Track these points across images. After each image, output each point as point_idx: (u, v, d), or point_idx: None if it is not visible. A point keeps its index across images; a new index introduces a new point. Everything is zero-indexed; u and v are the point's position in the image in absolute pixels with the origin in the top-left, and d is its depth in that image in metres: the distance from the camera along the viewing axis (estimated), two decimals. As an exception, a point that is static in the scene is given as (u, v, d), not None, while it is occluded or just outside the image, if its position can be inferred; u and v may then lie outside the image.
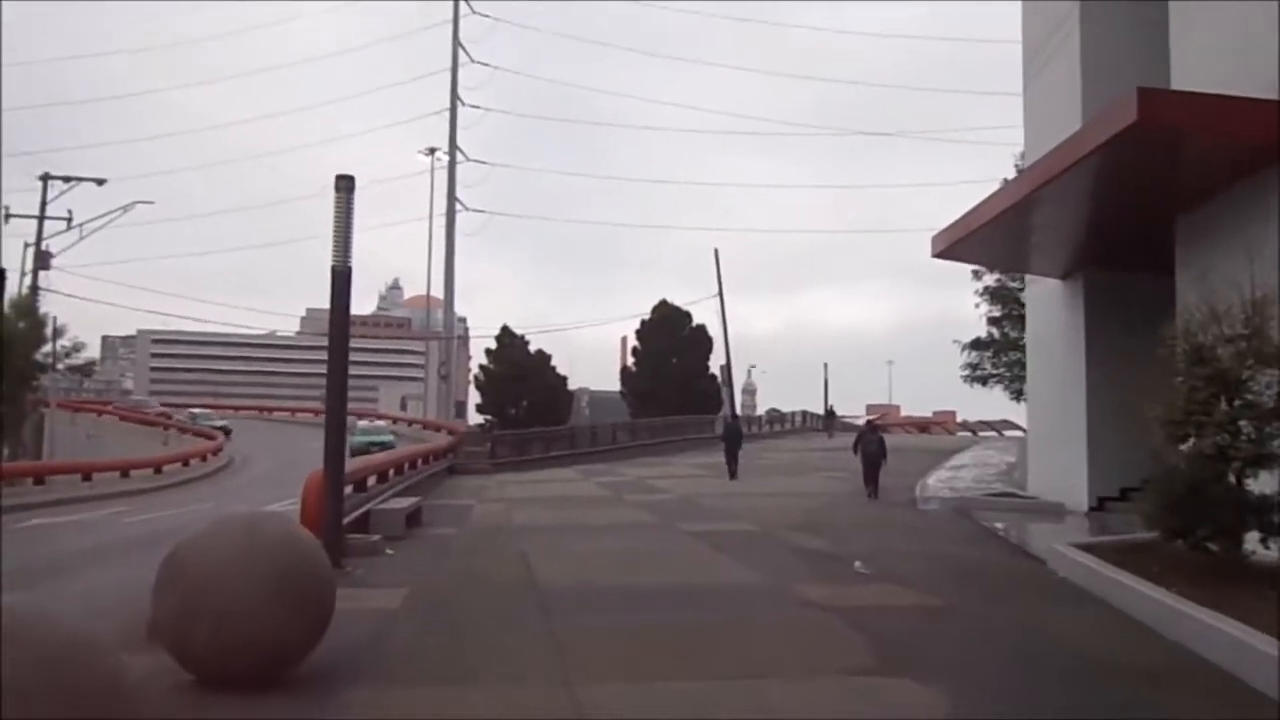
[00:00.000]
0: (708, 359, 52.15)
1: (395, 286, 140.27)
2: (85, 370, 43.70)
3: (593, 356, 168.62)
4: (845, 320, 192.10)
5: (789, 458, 28.93)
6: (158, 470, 31.98)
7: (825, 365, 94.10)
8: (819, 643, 6.16)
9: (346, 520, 9.97)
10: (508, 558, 10.13)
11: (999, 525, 12.20)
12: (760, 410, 70.41)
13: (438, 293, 48.70)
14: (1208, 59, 9.65)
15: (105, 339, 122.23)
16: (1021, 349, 26.45)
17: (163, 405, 58.76)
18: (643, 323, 53.99)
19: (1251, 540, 6.82)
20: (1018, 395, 30.88)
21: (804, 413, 52.12)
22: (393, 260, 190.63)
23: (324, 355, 9.52)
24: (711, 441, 33.79)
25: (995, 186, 22.48)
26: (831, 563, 9.41)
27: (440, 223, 46.79)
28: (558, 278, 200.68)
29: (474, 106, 48.38)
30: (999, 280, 29.79)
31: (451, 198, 46.28)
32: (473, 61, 48.10)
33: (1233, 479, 6.81)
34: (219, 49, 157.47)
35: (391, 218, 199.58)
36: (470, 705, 4.88)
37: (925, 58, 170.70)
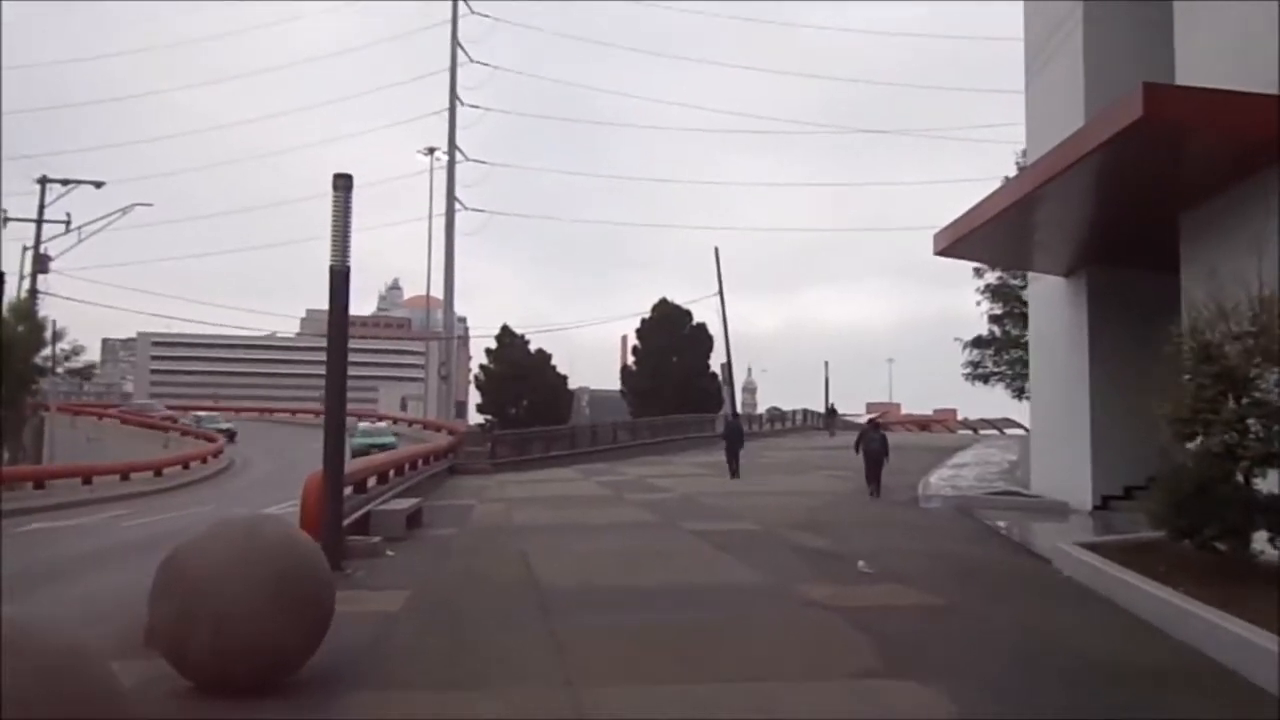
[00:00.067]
0: (708, 357, 52.13)
1: (395, 287, 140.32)
2: (85, 373, 43.57)
3: (593, 356, 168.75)
4: (846, 318, 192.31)
5: (790, 456, 28.88)
6: (158, 473, 31.93)
7: (826, 364, 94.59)
8: (822, 643, 6.11)
9: (346, 522, 9.92)
10: (508, 558, 10.08)
11: (1002, 524, 12.14)
12: (761, 409, 70.45)
13: (437, 293, 48.68)
14: (1210, 58, 9.61)
15: (105, 342, 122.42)
16: (1023, 347, 26.41)
17: (168, 408, 58.62)
18: (643, 321, 53.96)
19: (1260, 540, 6.76)
20: (1019, 393, 30.83)
21: (805, 411, 52.07)
22: (393, 260, 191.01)
23: (324, 356, 9.47)
24: (712, 440, 33.76)
25: (997, 184, 22.43)
26: (834, 562, 9.36)
27: (440, 223, 46.79)
28: (558, 277, 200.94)
29: (473, 106, 48.37)
30: (1000, 278, 29.74)
31: (451, 197, 46.25)
32: (472, 61, 48.09)
33: (1241, 478, 6.75)
34: (218, 49, 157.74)
35: (391, 218, 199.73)
36: (472, 708, 4.83)
37: (927, 56, 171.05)
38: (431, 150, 48.27)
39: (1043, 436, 15.76)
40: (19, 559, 11.77)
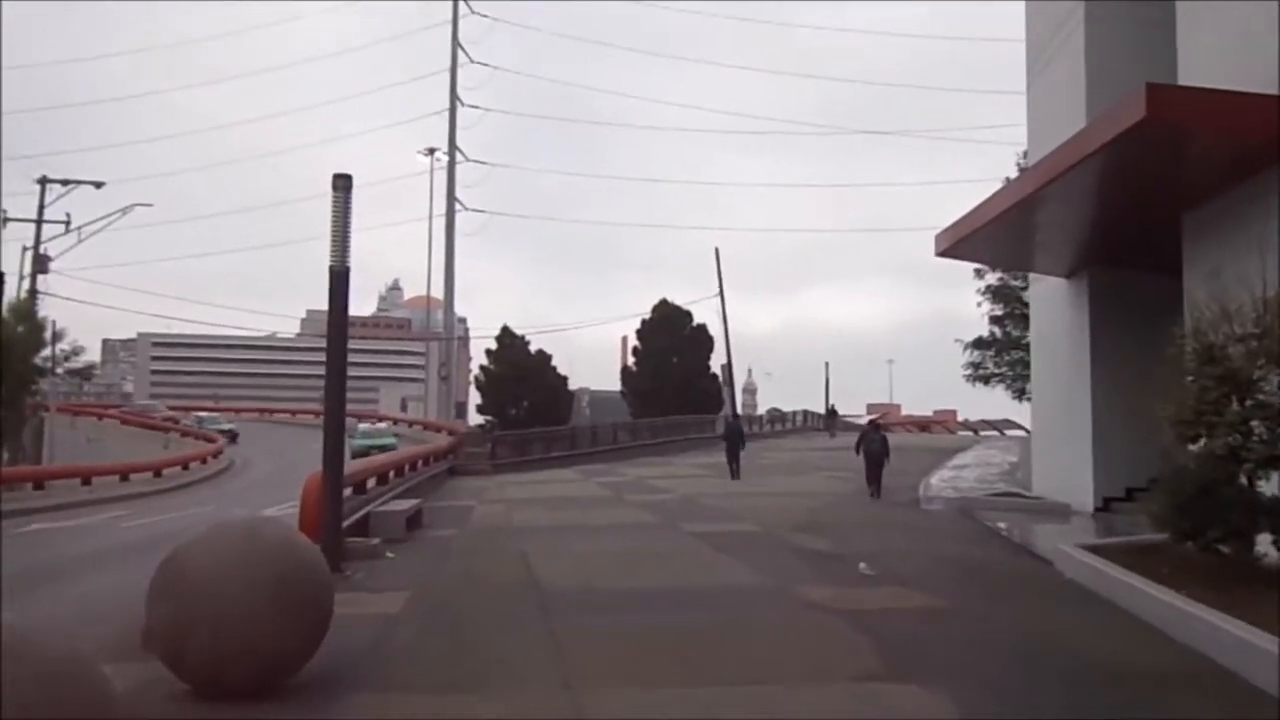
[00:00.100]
0: (708, 358, 52.11)
1: (395, 287, 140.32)
2: (85, 374, 43.54)
3: (593, 356, 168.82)
4: (846, 319, 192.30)
5: (790, 457, 28.85)
6: (157, 474, 31.91)
7: (826, 364, 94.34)
8: (823, 646, 6.08)
9: (346, 524, 9.89)
10: (508, 559, 10.06)
11: (1003, 525, 12.11)
12: (761, 410, 70.40)
13: (438, 293, 48.63)
14: (1212, 58, 9.58)
15: (105, 342, 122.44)
16: (1024, 348, 26.39)
17: (170, 409, 58.54)
18: (643, 322, 53.94)
19: (1263, 543, 6.73)
20: (1020, 394, 30.81)
21: (805, 412, 52.05)
22: (393, 261, 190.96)
23: (324, 357, 9.44)
24: (713, 441, 33.74)
25: (997, 185, 22.39)
26: (835, 563, 9.33)
27: (440, 223, 46.74)
28: (558, 278, 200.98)
29: (473, 107, 48.34)
30: (1001, 279, 29.72)
31: (451, 198, 46.22)
32: (472, 62, 48.06)
33: (1244, 480, 6.72)
34: (218, 49, 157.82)
35: (392, 218, 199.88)
36: (472, 711, 4.80)
37: (927, 56, 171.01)
38: (432, 151, 48.30)
39: (1044, 438, 15.73)
40: (19, 560, 11.76)
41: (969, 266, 29.22)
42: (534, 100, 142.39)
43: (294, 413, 64.40)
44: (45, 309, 31.65)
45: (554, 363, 55.51)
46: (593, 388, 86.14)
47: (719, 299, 45.60)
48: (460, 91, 47.35)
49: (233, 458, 39.42)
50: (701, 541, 11.05)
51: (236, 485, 30.67)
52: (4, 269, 26.22)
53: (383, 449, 25.19)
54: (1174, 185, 10.38)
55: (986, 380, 32.52)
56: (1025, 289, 22.82)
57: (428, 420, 49.40)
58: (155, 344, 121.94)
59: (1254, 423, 6.65)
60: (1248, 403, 6.70)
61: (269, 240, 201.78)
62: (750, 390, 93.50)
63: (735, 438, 22.28)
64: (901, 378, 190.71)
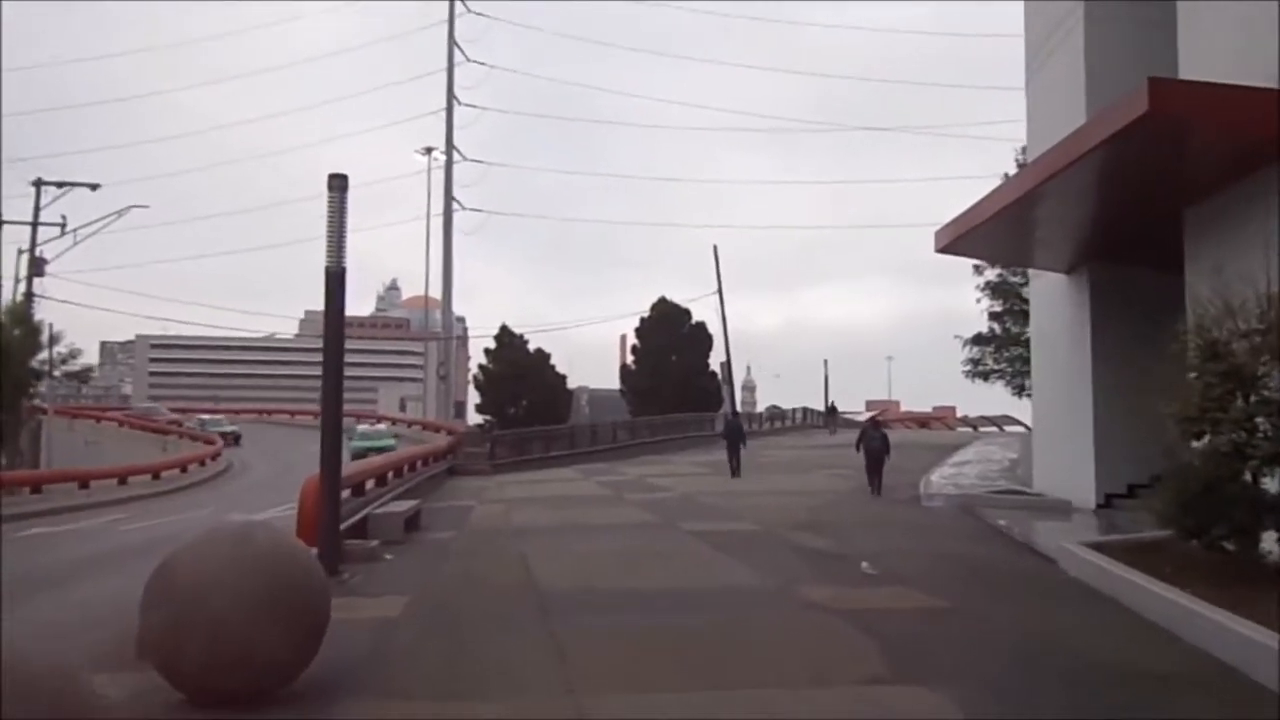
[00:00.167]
0: (708, 356, 52.03)
1: (393, 287, 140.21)
2: (82, 376, 43.51)
3: (592, 355, 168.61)
4: (845, 316, 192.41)
5: (790, 455, 28.80)
6: (156, 476, 31.82)
7: (825, 362, 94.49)
8: (825, 648, 6.03)
9: (344, 526, 9.82)
10: (508, 561, 10.00)
11: (1005, 523, 12.06)
12: (760, 407, 70.35)
13: (436, 293, 48.49)
14: (1213, 57, 9.52)
15: (103, 345, 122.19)
16: (1023, 344, 26.35)
17: (172, 412, 58.31)
18: (642, 320, 53.84)
19: (1268, 540, 6.69)
20: (1019, 391, 30.80)
21: (804, 409, 52.00)
22: (391, 261, 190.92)
23: (322, 357, 9.37)
24: (712, 439, 33.68)
25: (997, 182, 22.35)
26: (836, 563, 9.28)
27: (438, 223, 46.62)
28: (557, 276, 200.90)
29: (470, 106, 48.18)
30: (1000, 275, 29.69)
31: (449, 197, 46.10)
32: (469, 60, 47.91)
33: (1249, 477, 6.68)
34: (215, 50, 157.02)
35: (390, 218, 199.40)
36: (473, 717, 4.74)
37: (928, 53, 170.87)
38: (429, 150, 48.13)
39: (1045, 434, 15.68)
40: (17, 565, 11.68)
41: (968, 263, 29.20)
42: (535, 100, 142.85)
43: (293, 414, 64.32)
44: (42, 312, 31.61)
45: (553, 361, 55.45)
46: (592, 386, 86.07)
47: (718, 297, 45.58)
48: (458, 91, 47.23)
49: (231, 459, 39.34)
50: (702, 541, 11.00)
51: (235, 487, 30.60)
52: (1, 272, 26.14)
53: (381, 451, 24.99)
54: (1176, 180, 10.32)
55: (986, 376, 32.51)
56: (1025, 285, 22.78)
57: (427, 420, 49.33)
58: (154, 346, 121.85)
59: (1258, 419, 6.61)
60: (1252, 399, 6.65)
61: (267, 241, 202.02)
62: (749, 388, 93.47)
63: (735, 436, 22.24)
64: (900, 374, 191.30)
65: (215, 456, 38.65)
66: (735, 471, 21.16)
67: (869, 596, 7.62)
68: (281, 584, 4.74)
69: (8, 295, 29.51)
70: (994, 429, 42.14)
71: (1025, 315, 23.50)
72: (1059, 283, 14.61)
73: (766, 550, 10.17)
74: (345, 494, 10.53)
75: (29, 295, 31.30)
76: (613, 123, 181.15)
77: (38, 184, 32.69)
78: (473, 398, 55.96)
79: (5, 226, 32.30)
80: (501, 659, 5.86)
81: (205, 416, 54.58)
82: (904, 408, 79.46)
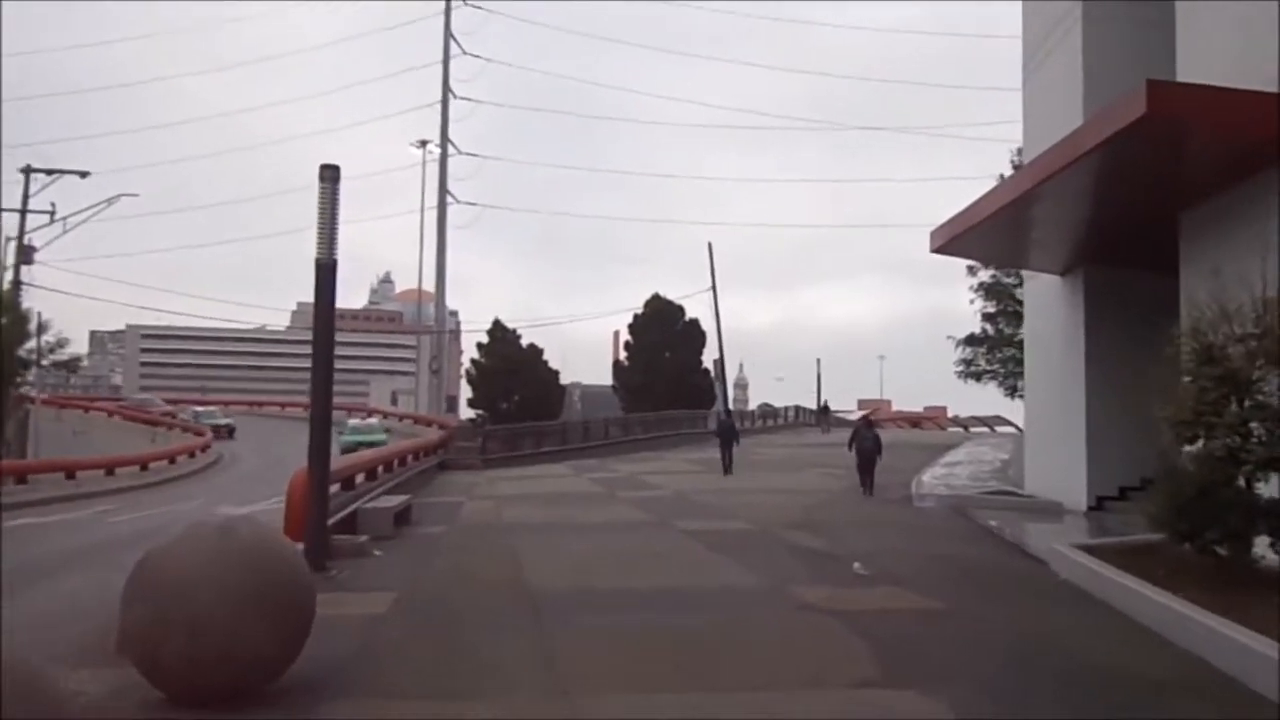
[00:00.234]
0: (701, 353, 52.03)
1: (387, 280, 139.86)
2: (71, 366, 43.20)
3: (585, 351, 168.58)
4: (838, 315, 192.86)
5: (783, 453, 28.80)
6: (144, 468, 31.60)
7: (818, 360, 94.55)
8: (819, 650, 5.99)
9: (332, 520, 9.74)
10: (499, 558, 9.93)
11: (996, 524, 12.05)
12: (752, 405, 70.39)
13: (429, 286, 48.27)
14: (1211, 58, 9.50)
15: (93, 334, 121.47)
16: (1016, 345, 26.40)
17: (166, 403, 57.79)
18: (635, 317, 53.78)
19: (1261, 545, 6.67)
20: (1011, 391, 30.91)
21: (797, 408, 52.04)
22: (386, 254, 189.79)
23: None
24: (705, 436, 33.66)
25: (992, 182, 22.37)
26: (829, 563, 9.25)
27: (432, 216, 46.42)
28: (551, 272, 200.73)
29: (466, 99, 47.94)
30: (994, 276, 29.76)
31: (443, 190, 45.88)
32: (465, 53, 47.65)
33: (1242, 482, 6.66)
34: (210, 39, 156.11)
35: (384, 210, 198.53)
36: (463, 717, 4.67)
37: (925, 53, 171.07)
38: (424, 143, 47.83)
39: (1037, 436, 15.69)
40: (7, 555, 11.54)
41: (962, 263, 29.26)
42: (533, 95, 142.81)
43: (284, 405, 63.99)
44: (30, 300, 31.33)
45: (546, 357, 55.40)
46: (585, 382, 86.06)
47: (712, 294, 45.53)
48: (454, 84, 46.97)
49: (221, 451, 39.12)
50: (695, 540, 10.96)
51: (224, 479, 30.43)
52: None
53: (372, 445, 24.83)
54: (1172, 183, 10.31)
55: (978, 377, 32.62)
56: (1018, 286, 22.80)
57: (418, 414, 49.15)
58: (144, 336, 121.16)
59: (1253, 424, 6.59)
60: (1247, 404, 6.63)
61: (259, 232, 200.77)
62: (741, 385, 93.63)
63: (728, 434, 22.24)
64: (893, 374, 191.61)
65: (205, 448, 38.42)
66: (728, 469, 21.14)
67: (862, 597, 7.59)
68: (265, 579, 4.65)
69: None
70: (985, 429, 42.26)
71: (1018, 316, 23.54)
72: (1054, 284, 14.61)
73: (760, 549, 10.14)
74: (334, 488, 10.45)
75: (16, 283, 31.00)
76: (611, 118, 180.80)
77: (27, 171, 32.38)
78: (465, 392, 55.92)
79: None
80: (492, 657, 5.79)
81: (199, 409, 54.19)
82: (895, 407, 79.66)
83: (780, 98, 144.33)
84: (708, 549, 10.23)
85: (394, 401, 63.96)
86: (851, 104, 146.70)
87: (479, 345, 55.16)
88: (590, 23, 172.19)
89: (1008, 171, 25.55)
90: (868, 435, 16.58)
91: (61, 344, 35.69)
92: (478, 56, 48.32)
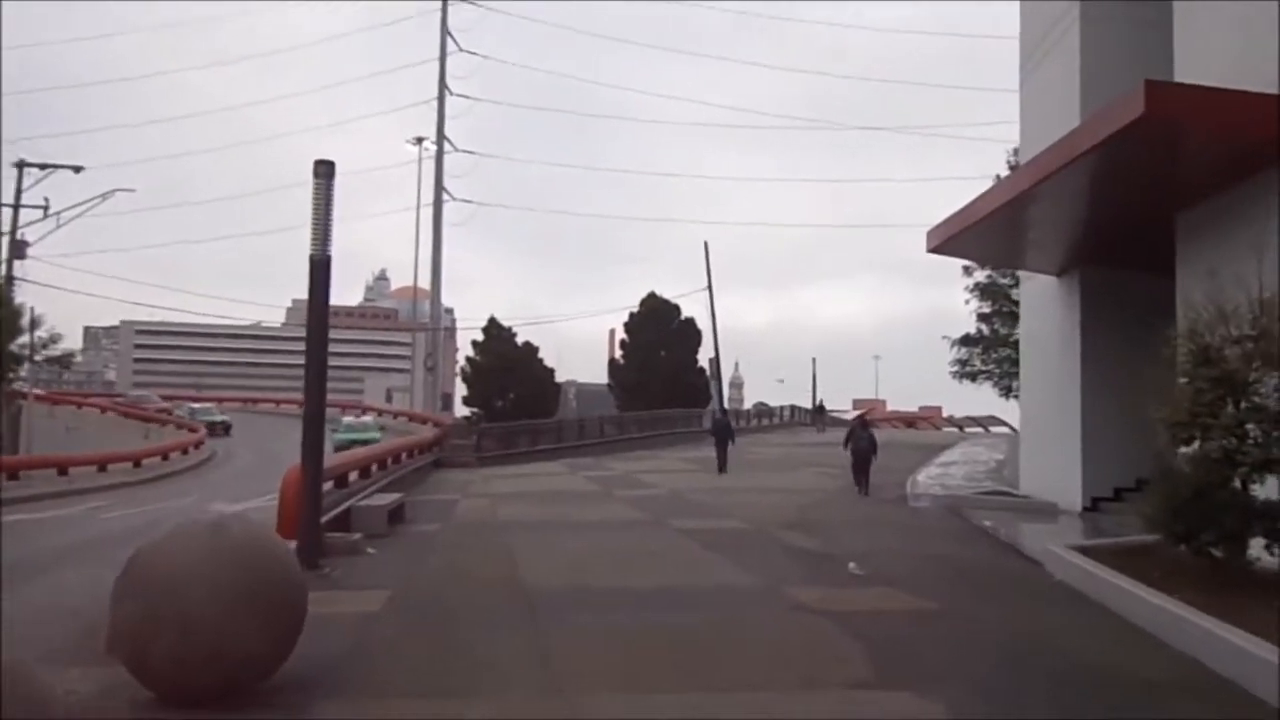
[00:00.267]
0: (696, 352, 52.03)
1: (382, 277, 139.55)
2: (64, 361, 42.96)
3: (581, 349, 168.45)
4: (834, 315, 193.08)
5: (778, 453, 28.81)
6: (137, 464, 31.47)
7: (814, 360, 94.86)
8: (813, 650, 5.97)
9: (326, 518, 9.70)
10: (494, 556, 9.90)
11: (991, 524, 12.06)
12: (748, 404, 70.43)
13: (425, 284, 48.21)
14: (1209, 59, 9.49)
15: (87, 330, 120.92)
16: (1012, 346, 26.45)
17: (163, 399, 57.50)
18: (631, 315, 53.77)
19: (1256, 547, 6.67)
20: (1006, 392, 30.96)
21: (792, 407, 52.07)
22: (381, 251, 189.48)
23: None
24: (700, 435, 33.66)
25: (989, 183, 22.40)
26: (824, 563, 9.24)
27: (428, 213, 46.31)
28: (547, 270, 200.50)
29: (462, 96, 47.86)
30: (989, 276, 29.79)
31: (439, 187, 45.82)
32: (461, 50, 47.56)
33: (1238, 483, 6.66)
34: (207, 34, 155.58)
35: (380, 207, 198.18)
36: (459, 716, 4.64)
37: (923, 53, 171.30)
38: (420, 140, 47.71)
39: (1032, 437, 15.70)
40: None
41: (958, 264, 29.29)
42: (530, 92, 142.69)
43: (279, 402, 63.84)
44: (22, 295, 31.15)
45: (541, 355, 55.33)
46: (580, 381, 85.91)
47: (708, 293, 45.49)
48: (451, 81, 46.95)
49: (215, 448, 39.00)
50: (691, 539, 10.94)
51: (218, 476, 30.32)
52: None
53: (366, 443, 24.74)
54: (1169, 184, 10.31)
55: (974, 377, 32.66)
56: (1014, 287, 22.83)
57: (413, 411, 49.08)
58: (139, 331, 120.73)
59: (1249, 426, 6.59)
60: (1243, 405, 6.63)
61: (255, 228, 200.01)
62: (737, 384, 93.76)
63: (723, 433, 22.23)
64: (888, 374, 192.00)
65: (199, 445, 38.28)
66: (723, 468, 21.13)
67: (857, 598, 7.58)
68: (257, 577, 4.62)
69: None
70: (980, 430, 42.34)
71: (1014, 317, 23.58)
72: (1050, 285, 14.61)
73: (755, 549, 10.12)
74: (328, 486, 10.41)
75: (9, 278, 30.84)
76: (610, 117, 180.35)
77: (20, 165, 32.18)
78: (460, 390, 55.77)
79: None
80: (486, 656, 5.76)
81: (195, 405, 53.95)
82: (890, 407, 79.79)
83: (780, 97, 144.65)
84: (703, 548, 10.21)
85: (389, 399, 63.88)
86: (851, 104, 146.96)
87: (474, 343, 55.09)
88: (589, 20, 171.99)
89: (1005, 172, 25.58)
90: (863, 435, 16.59)
91: (55, 339, 35.52)
92: (474, 53, 48.29)
